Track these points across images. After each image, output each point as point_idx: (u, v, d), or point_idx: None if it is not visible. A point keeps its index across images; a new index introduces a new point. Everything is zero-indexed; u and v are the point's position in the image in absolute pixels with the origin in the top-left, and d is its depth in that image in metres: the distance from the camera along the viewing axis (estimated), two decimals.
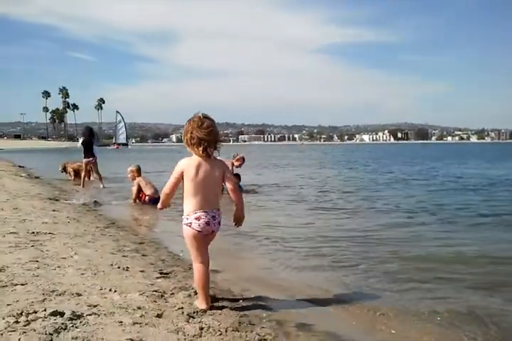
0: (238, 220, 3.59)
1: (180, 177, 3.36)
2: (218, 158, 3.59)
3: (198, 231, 3.31)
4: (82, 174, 13.88)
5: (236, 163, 11.70)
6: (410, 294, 4.15)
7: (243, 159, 11.88)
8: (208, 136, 3.27)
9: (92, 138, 14.09)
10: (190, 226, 3.34)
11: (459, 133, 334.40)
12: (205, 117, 3.34)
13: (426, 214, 8.52)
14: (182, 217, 3.40)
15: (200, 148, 3.28)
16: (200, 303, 3.34)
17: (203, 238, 3.37)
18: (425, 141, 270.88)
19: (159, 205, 3.62)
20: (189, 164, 3.35)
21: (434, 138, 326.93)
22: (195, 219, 3.32)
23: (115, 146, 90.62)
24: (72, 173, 15.99)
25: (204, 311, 3.24)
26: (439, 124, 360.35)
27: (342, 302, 3.90)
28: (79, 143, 14.22)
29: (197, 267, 3.41)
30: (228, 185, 3.46)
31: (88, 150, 13.69)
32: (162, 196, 3.57)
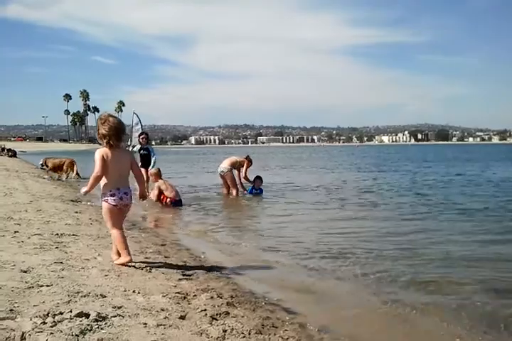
0: (142, 197, 4.56)
1: (104, 164, 4.05)
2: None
3: (113, 205, 4.12)
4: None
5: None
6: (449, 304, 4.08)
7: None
8: (109, 131, 4.05)
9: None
10: (107, 202, 4.14)
11: (480, 134, 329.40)
12: (109, 116, 4.17)
13: None
14: (101, 195, 4.17)
15: (105, 141, 4.08)
16: (123, 258, 4.16)
17: (118, 211, 4.16)
18: (446, 142, 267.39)
19: (88, 187, 4.15)
20: (105, 153, 4.09)
21: (454, 139, 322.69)
22: (111, 196, 4.11)
23: (130, 149, 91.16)
24: (49, 166, 16.78)
25: (129, 261, 4.15)
26: (460, 125, 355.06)
27: (365, 306, 3.86)
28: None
29: (114, 233, 4.20)
30: (134, 172, 4.34)
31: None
32: (90, 183, 4.11)
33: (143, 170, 11.04)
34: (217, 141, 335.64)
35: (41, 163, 17.57)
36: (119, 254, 4.25)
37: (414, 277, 4.62)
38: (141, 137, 12.19)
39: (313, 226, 7.41)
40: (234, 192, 11.83)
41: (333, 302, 3.98)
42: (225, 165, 11.97)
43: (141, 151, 11.95)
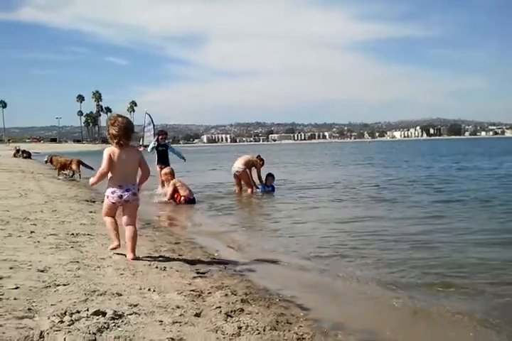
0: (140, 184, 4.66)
1: (111, 162, 4.30)
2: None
3: (112, 202, 4.42)
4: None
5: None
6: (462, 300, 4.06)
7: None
8: (118, 131, 4.27)
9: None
10: (107, 198, 4.44)
11: (493, 127, 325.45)
12: (118, 116, 4.40)
13: None
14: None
15: (115, 141, 4.30)
16: (112, 244, 4.54)
17: (115, 207, 4.47)
18: (459, 137, 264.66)
19: (94, 180, 4.47)
20: (112, 151, 4.32)
21: (467, 133, 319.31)
22: (111, 193, 4.39)
23: (141, 148, 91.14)
24: (54, 163, 17.25)
25: (116, 247, 4.50)
26: (473, 119, 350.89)
27: (379, 303, 3.85)
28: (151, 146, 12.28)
29: (105, 220, 4.57)
30: (142, 170, 4.53)
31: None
32: (96, 177, 4.42)
33: (166, 168, 11.20)
34: (228, 140, 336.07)
35: (46, 159, 18.24)
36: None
37: (430, 276, 4.59)
38: (160, 137, 12.20)
39: (327, 224, 7.39)
40: (249, 190, 11.83)
41: (347, 299, 3.99)
42: (239, 164, 11.95)
43: (159, 148, 12.05)
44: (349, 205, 9.63)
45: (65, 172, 17.16)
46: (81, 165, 17.05)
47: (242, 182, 12.01)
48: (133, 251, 4.43)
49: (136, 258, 4.39)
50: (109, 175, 4.37)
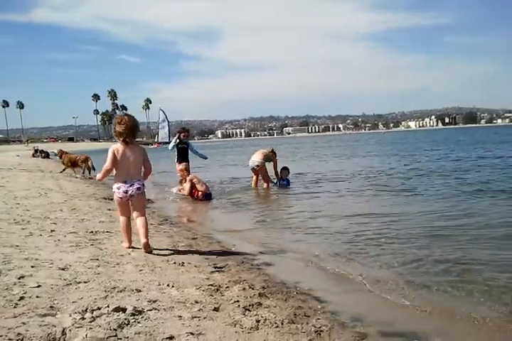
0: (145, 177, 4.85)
1: (115, 159, 4.58)
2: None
3: (119, 197, 4.67)
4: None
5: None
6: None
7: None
8: (125, 130, 4.56)
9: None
10: (114, 193, 4.71)
11: (509, 115, 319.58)
12: (125, 115, 4.72)
13: None
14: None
15: (121, 139, 4.60)
16: (124, 244, 4.78)
17: (125, 201, 4.70)
18: (474, 125, 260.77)
19: (100, 176, 4.77)
20: (117, 148, 4.61)
21: (483, 121, 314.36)
22: (117, 188, 4.64)
23: (155, 145, 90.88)
24: (67, 163, 17.01)
25: (127, 248, 4.69)
26: (488, 107, 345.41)
27: (397, 294, 3.85)
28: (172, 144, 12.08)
29: (120, 219, 4.79)
30: (145, 167, 4.78)
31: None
32: (102, 172, 4.69)
33: (181, 164, 11.27)
34: (243, 134, 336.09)
35: (55, 152, 18.10)
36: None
37: (451, 273, 4.57)
38: (182, 134, 12.04)
39: (344, 217, 7.34)
40: (265, 185, 11.84)
41: (365, 290, 3.98)
42: (257, 158, 11.88)
43: (180, 145, 11.94)
44: (369, 198, 9.57)
45: (77, 168, 17.06)
46: (88, 163, 16.91)
47: (259, 177, 12.00)
48: (146, 236, 4.64)
49: (148, 244, 4.63)
50: (115, 171, 4.65)
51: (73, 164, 17.13)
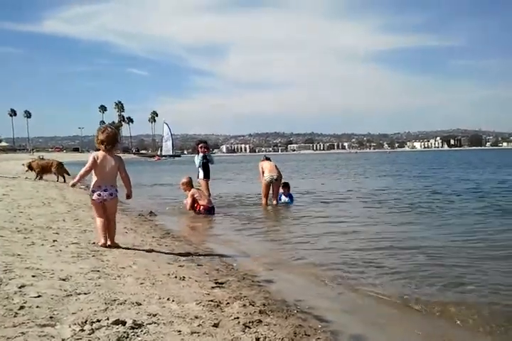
0: (128, 197, 5.39)
1: (94, 164, 5.03)
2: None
3: (93, 199, 5.15)
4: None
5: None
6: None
7: None
8: (106, 138, 5.07)
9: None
10: (90, 196, 5.22)
11: None
12: (109, 127, 5.38)
13: None
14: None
15: (102, 146, 5.09)
16: (99, 241, 5.23)
17: (98, 204, 5.15)
18: (480, 148, 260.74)
19: (76, 178, 5.17)
20: (97, 155, 5.08)
21: (488, 144, 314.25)
22: (92, 191, 5.12)
23: (156, 158, 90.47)
24: (36, 171, 16.49)
25: (103, 245, 5.15)
26: (494, 130, 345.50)
27: (397, 316, 3.82)
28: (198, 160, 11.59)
29: (97, 220, 5.23)
30: (121, 175, 5.20)
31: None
32: (78, 176, 5.12)
33: (205, 180, 11.19)
34: (247, 150, 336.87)
35: (24, 165, 17.26)
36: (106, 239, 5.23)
37: (451, 292, 4.54)
38: (199, 146, 11.71)
39: (347, 235, 7.30)
40: (274, 201, 11.64)
41: (365, 311, 3.95)
42: (275, 172, 11.64)
43: (203, 160, 11.53)
44: (372, 216, 9.54)
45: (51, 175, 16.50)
46: (60, 169, 16.54)
47: (271, 192, 11.73)
48: (112, 240, 5.25)
49: (115, 246, 5.23)
50: (93, 177, 5.11)
51: (45, 170, 16.72)
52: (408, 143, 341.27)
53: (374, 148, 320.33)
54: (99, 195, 5.09)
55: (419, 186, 16.87)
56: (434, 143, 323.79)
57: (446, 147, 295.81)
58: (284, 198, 11.98)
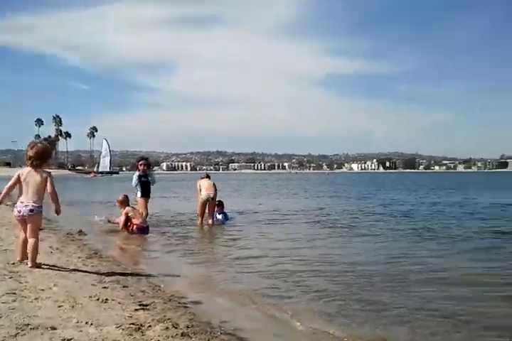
0: (56, 212, 5.28)
1: (17, 181, 5.05)
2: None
3: (15, 215, 5.11)
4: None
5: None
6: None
7: None
8: (34, 154, 5.07)
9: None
10: (13, 211, 5.23)
11: (446, 162, 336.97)
12: (39, 142, 5.35)
13: None
14: None
15: (29, 162, 5.09)
16: (17, 257, 5.25)
17: (20, 219, 5.07)
18: (413, 170, 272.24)
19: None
20: (22, 172, 5.11)
21: (421, 167, 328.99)
22: (15, 207, 5.09)
23: (91, 175, 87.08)
24: None
25: (20, 261, 5.16)
26: (429, 154, 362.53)
27: (323, 336, 3.88)
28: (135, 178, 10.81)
29: (20, 234, 5.23)
30: (49, 190, 5.09)
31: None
32: (2, 193, 5.10)
33: (143, 199, 10.65)
34: (188, 168, 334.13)
35: None
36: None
37: (375, 311, 4.67)
38: (139, 163, 10.90)
39: (281, 257, 7.34)
40: (210, 220, 11.56)
41: (291, 333, 3.98)
42: (212, 190, 11.57)
43: (142, 179, 10.79)
44: (308, 237, 9.66)
45: None
46: None
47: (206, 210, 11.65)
48: (33, 260, 5.05)
49: (37, 266, 5.05)
50: (19, 190, 5.06)
51: None
52: (346, 164, 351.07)
53: (313, 169, 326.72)
54: (19, 211, 5.03)
55: (356, 207, 17.35)
56: (371, 165, 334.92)
57: (381, 169, 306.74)
58: (217, 216, 11.96)
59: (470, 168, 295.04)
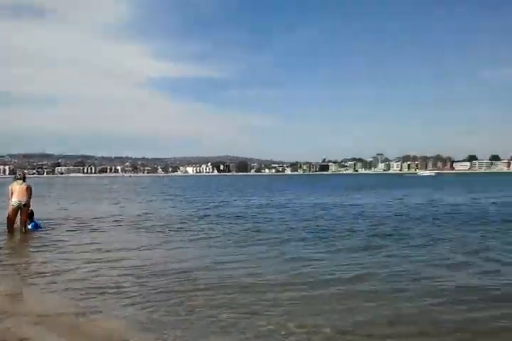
0: None
1: None
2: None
3: None
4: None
5: None
6: None
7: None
8: None
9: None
10: None
11: (275, 165, 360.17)
12: None
13: None
14: None
15: None
16: None
17: None
18: (246, 173, 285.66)
19: None
20: None
21: (253, 170, 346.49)
22: None
23: None
24: None
25: None
26: (260, 158, 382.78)
27: None
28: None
29: None
30: None
31: None
32: None
33: None
34: (7, 171, 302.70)
35: None
36: None
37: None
38: None
39: (100, 263, 7.20)
40: (24, 229, 10.77)
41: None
42: (25, 197, 10.74)
43: None
44: (131, 242, 9.55)
45: None
46: None
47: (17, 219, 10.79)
48: None
49: None
50: None
51: None
52: (181, 167, 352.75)
53: (148, 172, 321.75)
54: None
55: (188, 211, 17.63)
56: (206, 168, 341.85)
57: (216, 172, 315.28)
58: (28, 226, 11.14)
59: (296, 170, 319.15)
